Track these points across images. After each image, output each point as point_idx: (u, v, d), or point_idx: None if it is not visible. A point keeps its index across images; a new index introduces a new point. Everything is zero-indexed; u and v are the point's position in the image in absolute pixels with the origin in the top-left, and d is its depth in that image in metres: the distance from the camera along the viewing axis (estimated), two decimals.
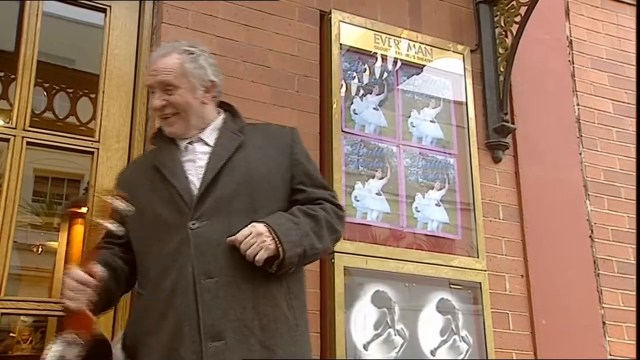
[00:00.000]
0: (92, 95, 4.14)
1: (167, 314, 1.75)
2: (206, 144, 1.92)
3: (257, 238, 1.73)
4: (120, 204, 1.72)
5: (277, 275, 1.77)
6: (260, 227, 1.75)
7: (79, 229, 5.74)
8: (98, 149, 2.60)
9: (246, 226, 1.75)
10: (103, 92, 2.68)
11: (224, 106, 2.05)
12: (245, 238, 1.73)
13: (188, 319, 1.72)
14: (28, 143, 2.52)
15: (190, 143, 1.93)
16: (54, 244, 6.50)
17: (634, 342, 3.31)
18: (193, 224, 1.78)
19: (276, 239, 1.73)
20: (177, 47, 1.94)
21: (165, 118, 1.92)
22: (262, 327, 1.74)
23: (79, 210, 6.05)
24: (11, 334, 5.73)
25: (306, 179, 1.94)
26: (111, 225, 1.74)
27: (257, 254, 1.72)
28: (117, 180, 2.07)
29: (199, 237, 1.77)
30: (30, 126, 2.54)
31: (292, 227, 1.78)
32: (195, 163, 1.89)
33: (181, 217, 1.79)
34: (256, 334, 1.72)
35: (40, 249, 6.97)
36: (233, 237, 1.74)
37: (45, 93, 4.49)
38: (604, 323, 3.29)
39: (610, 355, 3.24)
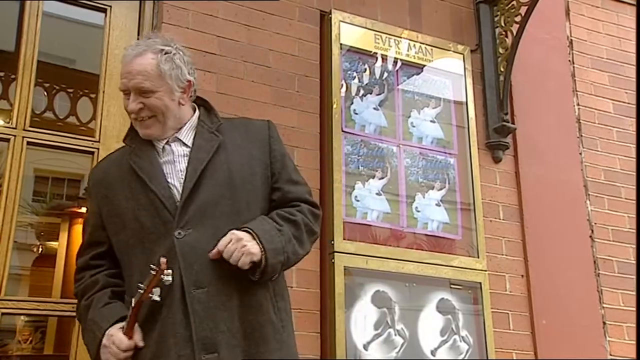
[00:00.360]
0: (93, 95, 4.14)
1: (153, 326, 1.72)
2: (184, 144, 1.87)
3: (237, 244, 1.70)
4: (169, 278, 1.68)
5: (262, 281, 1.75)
6: (239, 233, 1.72)
7: (78, 229, 5.75)
8: (98, 148, 2.60)
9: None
10: (103, 92, 2.68)
11: (197, 101, 1.97)
12: (226, 246, 1.70)
13: (172, 330, 1.69)
14: (28, 143, 2.51)
15: (167, 143, 1.87)
16: (54, 244, 6.50)
17: (634, 342, 3.31)
18: (179, 234, 1.74)
19: (260, 245, 1.71)
20: (151, 45, 1.84)
21: (141, 121, 1.84)
22: (246, 335, 1.72)
23: (78, 210, 6.06)
24: (12, 334, 5.73)
25: (283, 177, 1.91)
26: (156, 296, 1.69)
27: (239, 260, 1.69)
28: (90, 180, 1.98)
29: (186, 246, 1.73)
30: (30, 126, 2.54)
31: (276, 234, 1.76)
32: (175, 166, 1.83)
33: (165, 225, 1.75)
34: (241, 344, 1.71)
35: (40, 249, 6.96)
36: (215, 249, 1.72)
37: (45, 93, 4.49)
38: (604, 323, 3.29)
39: (611, 355, 3.24)
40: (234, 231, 1.73)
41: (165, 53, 1.83)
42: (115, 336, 1.71)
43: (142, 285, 1.68)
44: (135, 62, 1.81)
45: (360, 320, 2.73)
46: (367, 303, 2.76)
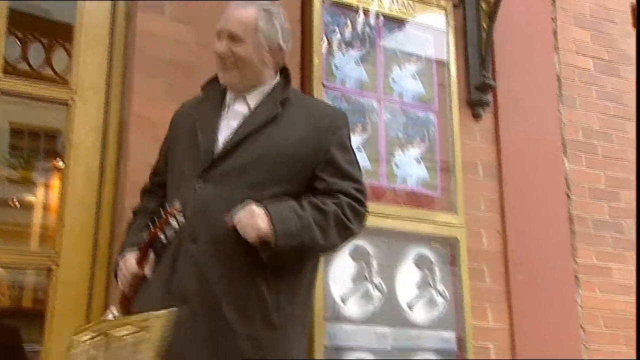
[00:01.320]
0: (68, 46, 4.05)
1: (159, 263, 1.81)
2: (247, 105, 1.91)
3: (248, 218, 1.69)
4: (174, 223, 1.76)
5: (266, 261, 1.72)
6: (256, 208, 1.71)
7: (56, 183, 5.71)
8: (75, 100, 2.56)
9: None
10: (79, 42, 2.62)
11: (283, 71, 2.01)
12: (239, 217, 1.71)
13: (162, 273, 1.77)
14: (2, 92, 2.46)
15: (234, 100, 1.93)
16: (31, 197, 6.45)
17: (605, 297, 3.40)
18: (198, 187, 1.79)
19: (271, 225, 1.68)
20: (257, 2, 1.92)
21: (223, 66, 1.91)
22: (229, 302, 1.70)
23: (56, 164, 6.00)
24: None
25: (330, 169, 1.85)
26: (162, 235, 1.78)
27: (246, 232, 1.69)
28: (173, 116, 2.07)
29: (198, 198, 1.78)
30: (4, 74, 2.48)
31: (291, 217, 1.71)
32: (229, 123, 1.88)
33: (195, 175, 1.81)
34: (222, 308, 1.69)
35: (17, 204, 6.90)
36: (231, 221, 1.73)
37: (19, 43, 4.38)
38: (576, 277, 3.36)
39: (581, 307, 3.32)
40: (252, 206, 1.72)
41: (267, 12, 1.91)
42: (128, 260, 1.84)
43: (156, 222, 1.79)
44: (236, 10, 1.91)
45: (339, 275, 2.75)
46: (345, 257, 2.79)
